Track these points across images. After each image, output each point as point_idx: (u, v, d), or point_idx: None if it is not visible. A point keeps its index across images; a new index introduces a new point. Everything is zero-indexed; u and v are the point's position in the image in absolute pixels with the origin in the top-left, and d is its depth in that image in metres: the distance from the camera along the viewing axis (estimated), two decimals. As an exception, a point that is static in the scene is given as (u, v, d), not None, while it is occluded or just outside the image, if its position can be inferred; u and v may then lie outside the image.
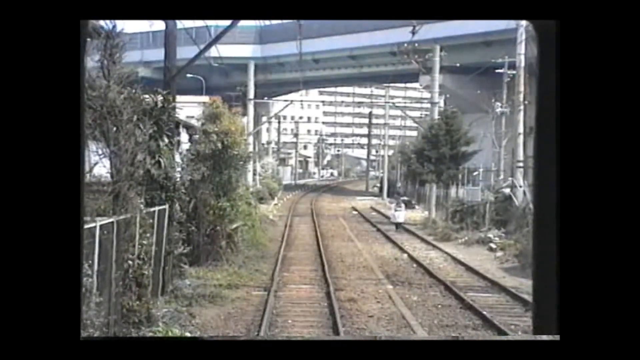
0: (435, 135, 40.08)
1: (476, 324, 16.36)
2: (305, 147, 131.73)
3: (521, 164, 34.61)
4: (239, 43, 63.62)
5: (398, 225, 39.60)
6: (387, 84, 79.31)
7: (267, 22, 55.36)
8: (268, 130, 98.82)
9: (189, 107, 28.21)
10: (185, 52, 23.81)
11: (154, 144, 16.44)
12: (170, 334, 13.59)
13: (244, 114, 52.10)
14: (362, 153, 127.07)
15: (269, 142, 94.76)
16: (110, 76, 13.18)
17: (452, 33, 48.34)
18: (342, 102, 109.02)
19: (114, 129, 13.08)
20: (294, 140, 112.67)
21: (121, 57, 13.53)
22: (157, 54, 29.59)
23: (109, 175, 13.36)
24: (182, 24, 22.21)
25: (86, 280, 10.49)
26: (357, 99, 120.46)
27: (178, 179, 18.52)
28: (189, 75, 43.03)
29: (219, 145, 23.68)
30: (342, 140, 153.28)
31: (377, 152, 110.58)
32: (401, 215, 40.42)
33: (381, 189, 70.86)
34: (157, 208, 16.27)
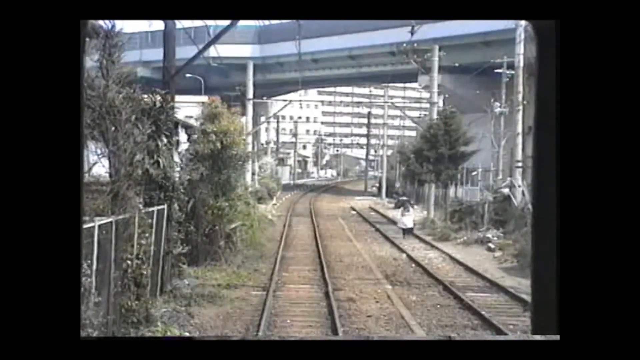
0: (434, 135, 40.00)
1: (475, 324, 16.37)
2: (304, 147, 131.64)
3: (520, 164, 34.60)
4: (238, 43, 63.56)
5: (406, 232, 34.82)
6: (386, 84, 79.33)
7: (266, 22, 55.34)
8: (267, 130, 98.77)
9: (188, 107, 28.24)
10: (184, 52, 23.82)
11: (153, 144, 16.43)
12: (169, 334, 13.60)
13: (243, 113, 52.00)
14: (361, 153, 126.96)
15: (267, 142, 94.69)
16: (109, 76, 13.16)
17: (452, 33, 48.32)
18: (341, 102, 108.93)
19: (113, 128, 13.06)
20: (293, 140, 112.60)
21: (120, 57, 13.51)
22: (156, 54, 29.55)
23: (107, 175, 13.35)
24: (181, 24, 22.21)
25: (85, 280, 10.48)
26: (356, 99, 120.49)
27: (177, 179, 18.49)
28: (188, 75, 43.03)
29: (218, 145, 23.68)
30: (341, 140, 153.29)
31: (375, 152, 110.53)
32: (409, 220, 35.66)
33: (380, 189, 70.83)
34: (155, 208, 16.26)
